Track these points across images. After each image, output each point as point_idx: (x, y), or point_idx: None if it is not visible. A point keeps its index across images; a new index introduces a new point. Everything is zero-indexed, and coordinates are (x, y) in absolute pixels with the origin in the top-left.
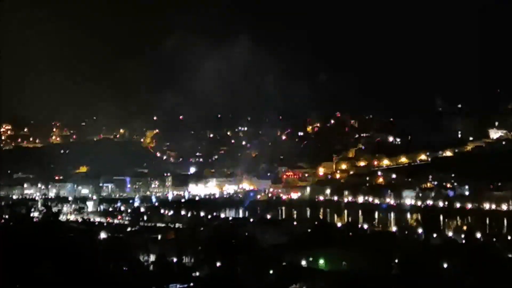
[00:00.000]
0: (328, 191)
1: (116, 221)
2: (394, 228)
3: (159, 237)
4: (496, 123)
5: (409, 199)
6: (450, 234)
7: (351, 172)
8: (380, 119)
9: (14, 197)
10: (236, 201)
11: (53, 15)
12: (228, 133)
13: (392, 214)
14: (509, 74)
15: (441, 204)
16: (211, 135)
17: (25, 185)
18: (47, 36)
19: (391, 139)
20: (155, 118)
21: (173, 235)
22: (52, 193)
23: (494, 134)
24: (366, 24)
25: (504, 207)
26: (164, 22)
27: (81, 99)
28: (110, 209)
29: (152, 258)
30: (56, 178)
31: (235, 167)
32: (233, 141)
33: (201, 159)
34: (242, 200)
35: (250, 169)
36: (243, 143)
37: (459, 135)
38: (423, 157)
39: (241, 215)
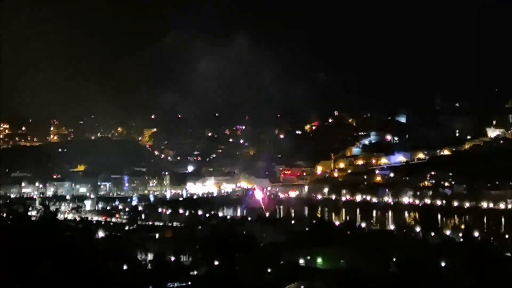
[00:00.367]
0: (326, 190)
1: (114, 219)
2: (392, 227)
3: (157, 235)
4: (494, 122)
5: (407, 197)
6: (448, 232)
7: (349, 171)
8: (379, 118)
9: (12, 195)
10: (234, 200)
11: (51, 14)
12: (226, 131)
13: (390, 213)
14: (507, 73)
15: (439, 202)
16: (209, 134)
17: (23, 184)
18: (45, 35)
19: (389, 137)
20: (153, 116)
21: (171, 234)
22: (50, 192)
23: (492, 133)
24: (365, 23)
25: (502, 205)
26: (164, 22)
27: (79, 98)
28: (108, 207)
29: (150, 257)
30: (54, 176)
31: (233, 165)
32: (231, 139)
33: (199, 158)
34: (240, 199)
35: (248, 168)
36: (241, 141)
37: (457, 134)
38: (421, 155)
39: (239, 214)
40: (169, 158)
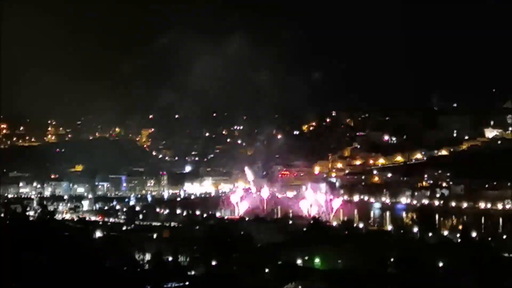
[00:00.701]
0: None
1: (111, 219)
2: (389, 227)
3: (155, 235)
4: (492, 122)
5: (404, 198)
6: (446, 233)
7: (347, 171)
8: (376, 118)
9: (10, 195)
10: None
11: (48, 13)
12: (224, 131)
13: (388, 213)
14: (504, 73)
15: (436, 203)
16: (207, 134)
17: (21, 184)
18: (43, 34)
19: (386, 138)
20: (151, 116)
21: (169, 234)
22: (47, 192)
23: (490, 133)
24: (362, 23)
25: (499, 206)
26: (161, 22)
27: (76, 98)
28: (106, 207)
29: (148, 257)
30: (52, 176)
31: (230, 165)
32: (228, 139)
33: (196, 158)
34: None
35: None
36: (239, 141)
37: (455, 134)
38: (418, 156)
39: (236, 214)
40: (166, 158)
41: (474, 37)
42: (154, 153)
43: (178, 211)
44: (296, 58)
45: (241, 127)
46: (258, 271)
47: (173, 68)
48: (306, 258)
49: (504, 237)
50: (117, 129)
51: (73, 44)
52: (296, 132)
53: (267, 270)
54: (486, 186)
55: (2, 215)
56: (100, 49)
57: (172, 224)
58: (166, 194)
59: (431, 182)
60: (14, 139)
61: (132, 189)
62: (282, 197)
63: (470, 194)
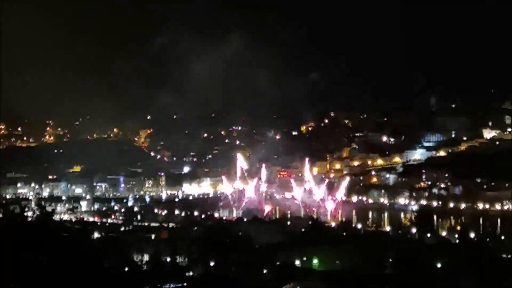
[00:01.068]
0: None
1: (110, 220)
2: (388, 228)
3: (153, 236)
4: (490, 123)
5: (403, 198)
6: (444, 233)
7: (345, 172)
8: (375, 119)
9: (8, 196)
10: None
11: (47, 14)
12: (222, 132)
13: (386, 214)
14: (502, 74)
15: (435, 203)
16: (205, 135)
17: (19, 185)
18: (41, 35)
19: (385, 138)
20: (149, 117)
21: (167, 235)
22: (45, 193)
23: (488, 134)
24: (361, 24)
25: (497, 207)
26: (159, 22)
27: (74, 99)
28: (104, 208)
29: (146, 257)
30: (50, 177)
31: (229, 166)
32: (227, 140)
33: (195, 159)
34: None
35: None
36: (237, 142)
37: (453, 135)
38: (417, 156)
39: (234, 215)
40: (165, 158)
41: (472, 38)
42: (152, 154)
43: (176, 212)
44: (295, 58)
45: (240, 128)
46: (256, 272)
47: (171, 69)
48: (305, 258)
49: (502, 237)
50: (115, 130)
51: (71, 45)
52: (294, 133)
53: (265, 271)
54: (485, 186)
55: (1, 215)
56: (98, 50)
57: (170, 224)
58: (164, 194)
59: (430, 183)
60: (12, 139)
61: (130, 189)
62: (280, 198)
63: (469, 194)
